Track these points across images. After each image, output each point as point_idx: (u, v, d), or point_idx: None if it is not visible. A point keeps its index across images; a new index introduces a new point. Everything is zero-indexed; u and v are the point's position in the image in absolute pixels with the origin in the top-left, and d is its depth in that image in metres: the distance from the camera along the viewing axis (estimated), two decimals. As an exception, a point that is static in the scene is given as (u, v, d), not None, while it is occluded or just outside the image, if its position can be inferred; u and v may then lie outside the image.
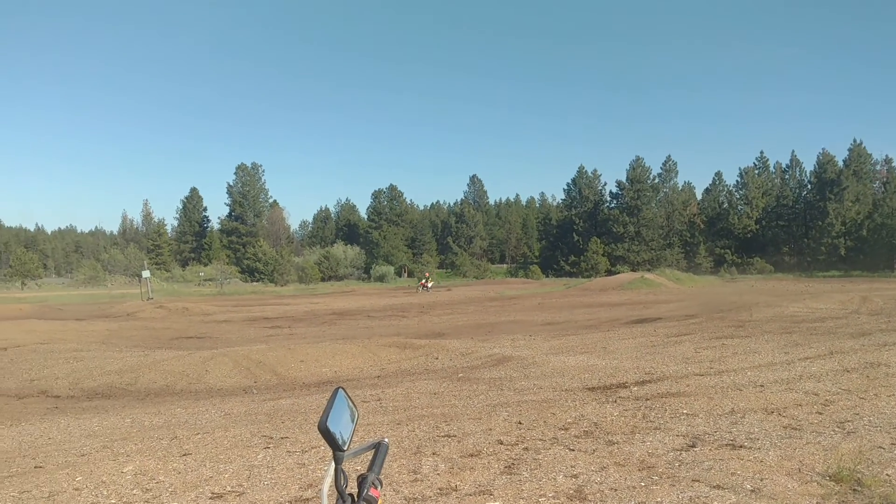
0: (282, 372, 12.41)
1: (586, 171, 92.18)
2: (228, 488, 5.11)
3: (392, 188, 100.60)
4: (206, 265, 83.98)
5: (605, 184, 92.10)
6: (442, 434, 6.55)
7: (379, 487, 1.67)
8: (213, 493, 4.99)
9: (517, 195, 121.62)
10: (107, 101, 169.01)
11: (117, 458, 6.15)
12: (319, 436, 5.24)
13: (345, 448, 1.56)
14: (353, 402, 1.72)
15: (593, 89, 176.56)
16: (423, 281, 52.98)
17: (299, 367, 12.70)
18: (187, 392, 11.29)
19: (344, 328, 22.81)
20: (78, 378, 12.43)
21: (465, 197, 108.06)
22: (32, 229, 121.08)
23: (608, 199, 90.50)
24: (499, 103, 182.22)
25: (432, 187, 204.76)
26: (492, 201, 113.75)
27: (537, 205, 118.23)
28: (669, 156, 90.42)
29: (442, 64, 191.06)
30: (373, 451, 1.74)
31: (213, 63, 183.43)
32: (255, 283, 77.43)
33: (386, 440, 1.77)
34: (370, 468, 1.69)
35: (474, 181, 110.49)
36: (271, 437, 6.71)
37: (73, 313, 32.11)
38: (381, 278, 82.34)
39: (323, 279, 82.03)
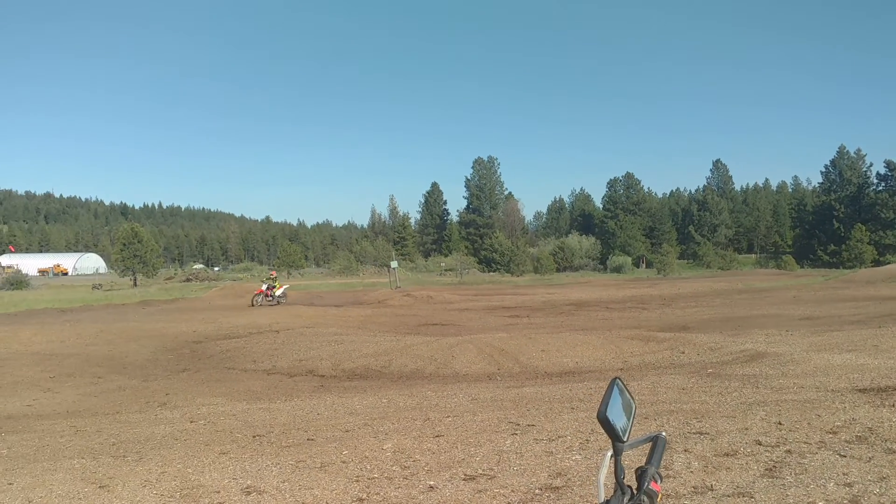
0: (523, 360, 12.55)
1: (848, 152, 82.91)
2: (480, 471, 5.22)
3: (628, 176, 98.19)
4: (446, 256, 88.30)
5: (871, 164, 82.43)
6: (693, 431, 6.16)
7: (659, 482, 1.57)
8: (465, 475, 5.13)
9: (766, 180, 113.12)
10: (359, 108, 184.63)
11: (377, 435, 6.59)
12: (566, 425, 5.16)
13: (625, 439, 1.48)
14: (630, 394, 1.63)
15: (855, 58, 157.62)
16: (266, 286, 31.63)
17: (540, 357, 12.76)
18: (436, 376, 11.85)
19: (582, 319, 22.58)
20: (339, 360, 13.61)
21: (708, 183, 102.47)
22: (295, 224, 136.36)
23: (875, 181, 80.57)
24: (744, 82, 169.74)
25: (671, 174, 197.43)
26: (738, 187, 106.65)
27: (790, 189, 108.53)
28: (955, 127, 78.25)
29: (681, 49, 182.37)
30: (650, 444, 1.64)
31: (451, 66, 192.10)
32: (491, 274, 79.72)
33: (663, 434, 1.66)
34: (649, 461, 1.59)
35: (718, 166, 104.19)
36: (518, 424, 6.77)
37: (331, 300, 35.36)
38: (617, 269, 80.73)
39: (558, 270, 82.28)
